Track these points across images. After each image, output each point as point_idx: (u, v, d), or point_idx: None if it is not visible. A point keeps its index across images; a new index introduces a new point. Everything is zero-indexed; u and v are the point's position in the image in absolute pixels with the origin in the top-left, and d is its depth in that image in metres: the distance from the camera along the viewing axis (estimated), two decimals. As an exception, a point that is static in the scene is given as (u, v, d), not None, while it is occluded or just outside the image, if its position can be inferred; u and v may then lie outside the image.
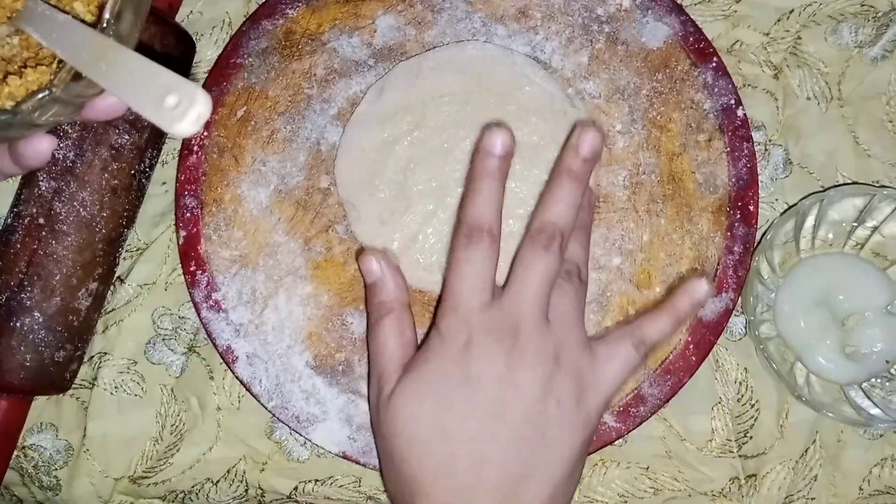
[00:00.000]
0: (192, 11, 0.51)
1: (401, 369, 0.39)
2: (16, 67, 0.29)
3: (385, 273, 0.42)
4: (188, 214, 0.47)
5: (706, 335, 0.45)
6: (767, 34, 0.50)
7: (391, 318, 0.41)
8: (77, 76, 0.28)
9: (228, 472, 0.48)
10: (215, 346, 0.46)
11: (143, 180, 0.48)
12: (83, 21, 0.29)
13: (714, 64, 0.47)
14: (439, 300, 0.41)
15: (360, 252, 0.45)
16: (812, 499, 0.47)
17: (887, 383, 0.46)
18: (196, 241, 0.46)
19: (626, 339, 0.39)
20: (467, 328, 0.38)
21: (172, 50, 0.48)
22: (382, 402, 0.39)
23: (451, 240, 0.41)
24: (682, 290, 0.40)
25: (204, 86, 0.48)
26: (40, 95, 0.28)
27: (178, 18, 0.51)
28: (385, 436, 0.38)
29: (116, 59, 0.27)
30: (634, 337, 0.40)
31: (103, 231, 0.46)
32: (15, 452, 0.49)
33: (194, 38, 0.50)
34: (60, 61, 0.28)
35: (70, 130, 0.45)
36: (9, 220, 0.46)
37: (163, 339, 0.49)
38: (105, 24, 0.28)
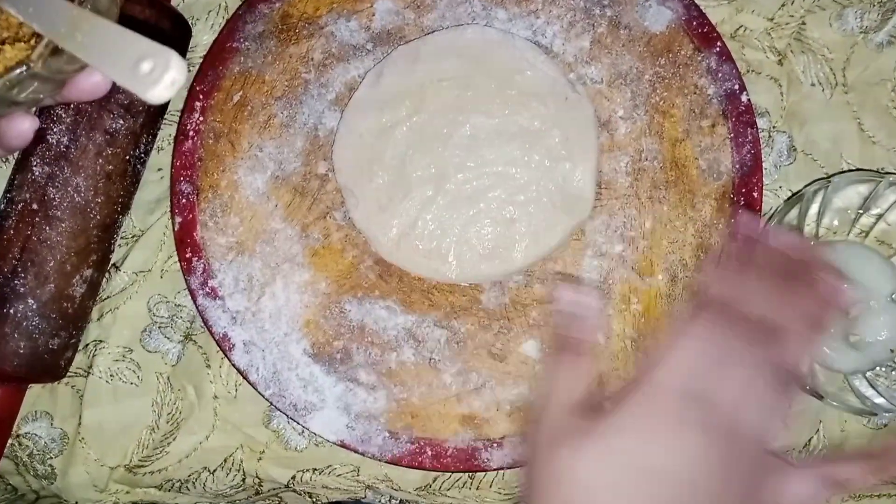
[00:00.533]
0: (188, -5, 0.51)
1: (566, 414, 0.37)
2: None
3: (584, 310, 0.40)
4: (184, 200, 0.46)
5: (709, 323, 0.45)
6: (771, 19, 0.49)
7: (573, 358, 0.39)
8: (56, 51, 0.28)
9: (225, 460, 0.48)
10: (212, 333, 0.45)
11: (139, 166, 0.48)
12: None
13: (718, 49, 0.46)
14: (643, 363, 0.39)
15: (562, 278, 0.44)
16: (815, 489, 0.47)
17: (892, 372, 0.46)
18: (192, 227, 0.46)
19: (815, 475, 0.37)
20: (667, 411, 0.35)
21: (168, 34, 0.47)
22: (542, 444, 0.37)
23: (687, 309, 0.40)
24: None
25: (200, 70, 0.47)
26: (18, 71, 0.28)
27: (173, 2, 0.50)
28: (537, 482, 0.36)
29: (92, 29, 0.27)
30: (824, 471, 0.37)
31: (98, 217, 0.45)
32: (9, 441, 0.48)
33: (190, 23, 0.49)
34: (39, 38, 0.28)
35: (64, 115, 0.44)
36: (2, 205, 0.45)
37: (159, 327, 0.49)
38: None
